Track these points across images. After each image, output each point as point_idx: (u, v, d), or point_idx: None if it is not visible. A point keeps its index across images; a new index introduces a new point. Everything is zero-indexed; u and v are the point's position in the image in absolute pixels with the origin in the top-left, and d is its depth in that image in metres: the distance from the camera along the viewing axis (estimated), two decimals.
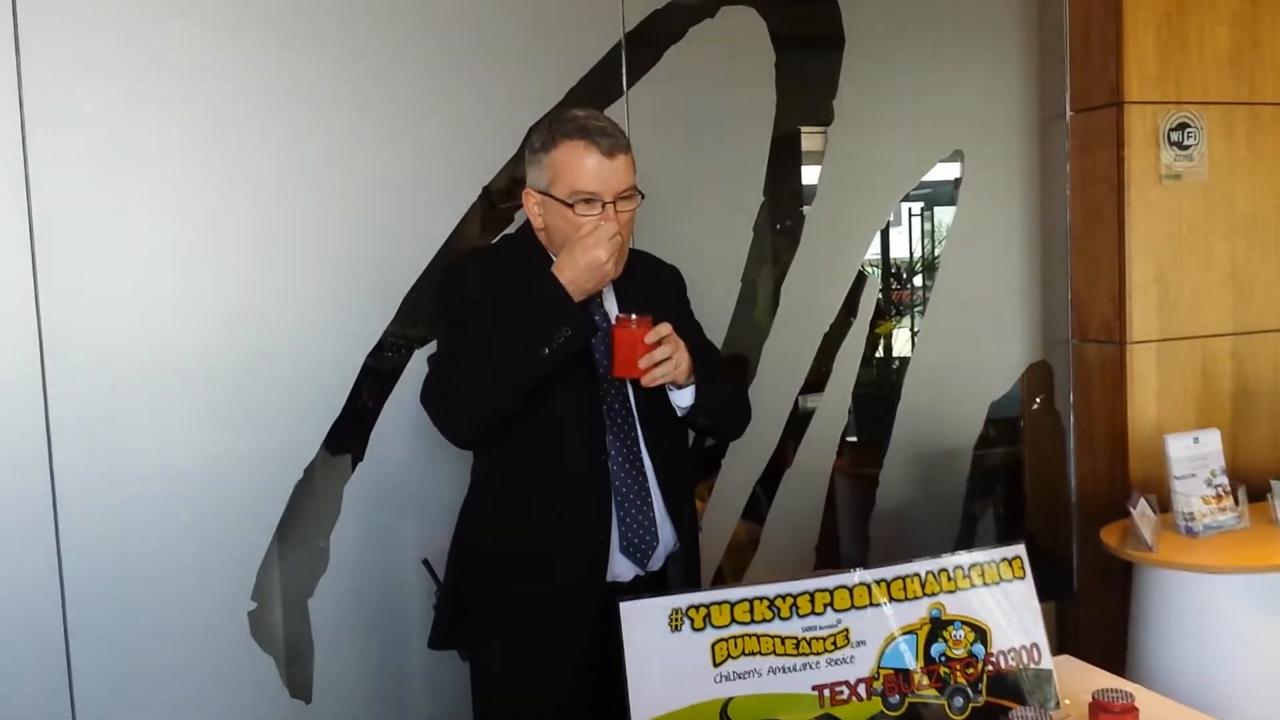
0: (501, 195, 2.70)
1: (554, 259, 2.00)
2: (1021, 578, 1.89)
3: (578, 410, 2.02)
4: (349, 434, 2.55)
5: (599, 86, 2.74)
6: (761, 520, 3.11)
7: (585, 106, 2.08)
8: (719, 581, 2.97)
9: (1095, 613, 3.29)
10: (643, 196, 2.04)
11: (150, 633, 2.39)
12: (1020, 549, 1.91)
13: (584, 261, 1.92)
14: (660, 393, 2.06)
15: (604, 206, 1.97)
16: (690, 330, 2.17)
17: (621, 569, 2.07)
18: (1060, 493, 3.46)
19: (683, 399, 2.07)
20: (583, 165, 1.96)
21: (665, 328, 1.98)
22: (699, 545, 2.23)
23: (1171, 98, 3.19)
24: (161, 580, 2.39)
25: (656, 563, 2.11)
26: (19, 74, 2.25)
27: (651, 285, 2.18)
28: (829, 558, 3.19)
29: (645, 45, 2.81)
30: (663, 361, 1.96)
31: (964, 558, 1.87)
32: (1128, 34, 3.14)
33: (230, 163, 2.43)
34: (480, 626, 2.12)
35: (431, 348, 2.48)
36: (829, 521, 3.20)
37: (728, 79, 2.93)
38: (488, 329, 1.96)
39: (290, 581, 2.58)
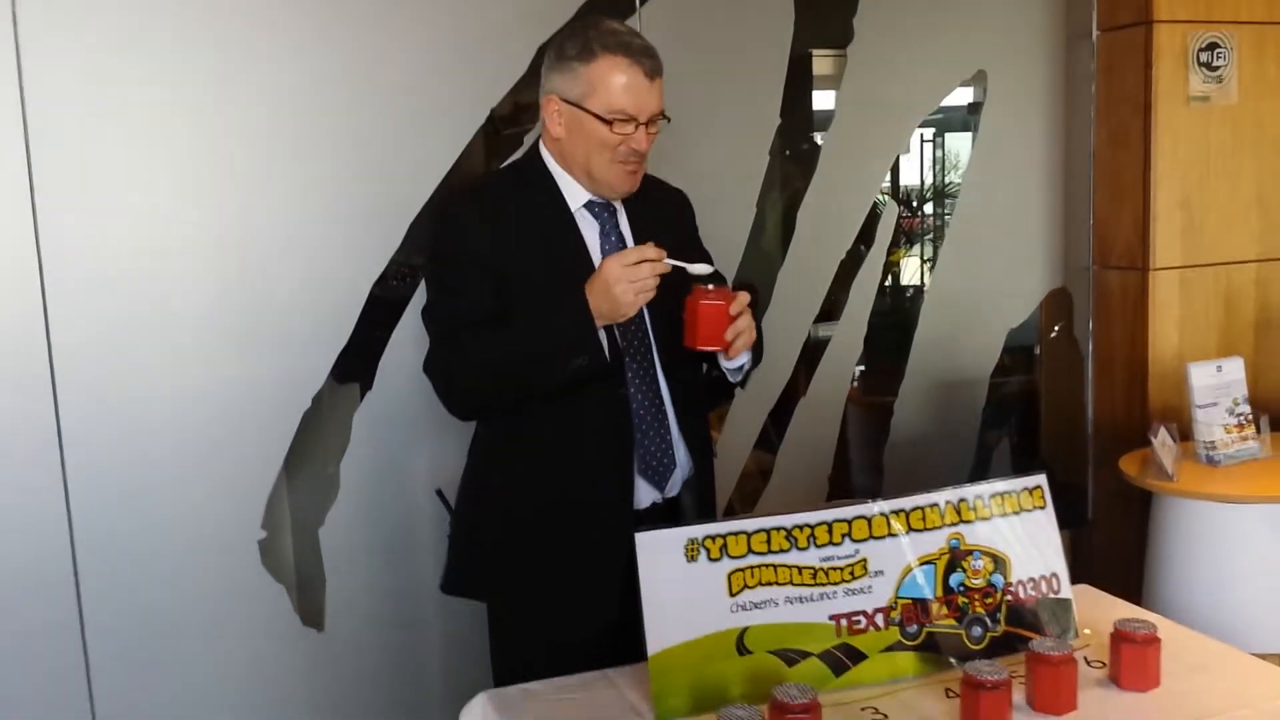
0: (507, 120, 2.64)
1: (559, 186, 1.97)
2: (1042, 507, 1.88)
3: None
4: (357, 363, 2.52)
5: (610, 2, 2.66)
6: (774, 450, 3.09)
7: (618, 20, 2.02)
8: (730, 513, 2.93)
9: (1111, 542, 3.28)
10: (668, 120, 1.98)
11: (161, 563, 2.38)
12: (1041, 479, 1.89)
13: (619, 305, 1.84)
14: (677, 319, 2.01)
15: (636, 127, 1.93)
16: (701, 258, 2.12)
17: (641, 494, 2.04)
18: (1077, 422, 3.43)
19: (734, 363, 2.02)
20: (625, 84, 1.90)
21: (745, 297, 1.94)
22: (714, 471, 2.20)
23: (1201, 17, 3.09)
24: (171, 510, 2.38)
25: (673, 489, 2.08)
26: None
27: (661, 208, 2.12)
28: (843, 488, 3.18)
29: None
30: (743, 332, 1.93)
31: (984, 487, 1.85)
32: None
33: (231, 83, 2.37)
34: (497, 575, 2.08)
35: None
36: (843, 451, 3.17)
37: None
38: (492, 294, 1.92)
39: (300, 510, 2.57)
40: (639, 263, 1.83)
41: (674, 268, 1.87)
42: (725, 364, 2.03)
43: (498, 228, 1.95)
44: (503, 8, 2.57)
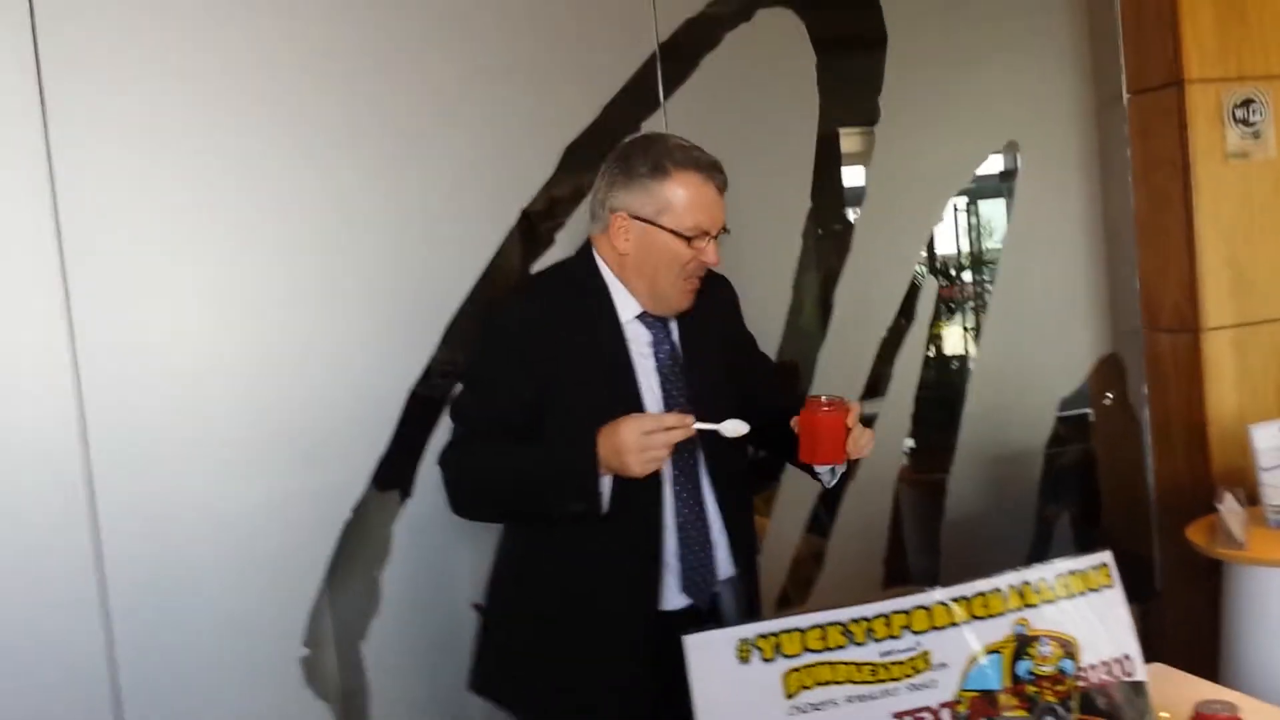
0: (541, 216, 2.64)
1: (610, 292, 1.96)
2: (1109, 585, 1.80)
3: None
4: (397, 469, 2.50)
5: (635, 100, 2.68)
6: (826, 534, 3.02)
7: (678, 136, 2.01)
8: (784, 602, 2.88)
9: (1181, 615, 3.16)
10: (728, 232, 1.99)
11: (203, 684, 2.34)
12: (1107, 555, 1.81)
13: (627, 470, 1.80)
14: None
15: (709, 240, 1.94)
16: (747, 343, 2.10)
17: (672, 595, 1.99)
18: (1138, 490, 3.33)
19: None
20: (700, 200, 1.92)
21: (857, 407, 1.92)
22: (758, 569, 2.15)
23: (1234, 74, 3.06)
24: (212, 629, 2.35)
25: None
26: (41, 96, 2.22)
27: (708, 307, 2.08)
28: (898, 571, 3.10)
29: (680, 55, 2.74)
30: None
31: (1048, 569, 1.77)
32: (1183, 9, 3.02)
33: (264, 195, 2.39)
34: (522, 681, 2.03)
35: None
36: (896, 533, 3.09)
37: (768, 84, 2.85)
38: (521, 405, 1.91)
39: (342, 625, 2.52)
40: (656, 431, 1.79)
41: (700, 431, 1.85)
42: (820, 469, 2.00)
43: (545, 333, 1.93)
44: (528, 107, 2.59)
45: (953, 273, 4.88)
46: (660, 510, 1.96)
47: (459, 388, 2.09)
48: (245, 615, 2.37)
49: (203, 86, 2.34)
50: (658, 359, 1.98)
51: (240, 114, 2.37)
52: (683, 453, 1.95)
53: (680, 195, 1.91)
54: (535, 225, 2.64)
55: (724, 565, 2.03)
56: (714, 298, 2.11)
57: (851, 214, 3.12)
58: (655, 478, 1.90)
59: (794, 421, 1.91)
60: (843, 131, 3.12)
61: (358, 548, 2.50)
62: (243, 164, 2.37)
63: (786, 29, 2.88)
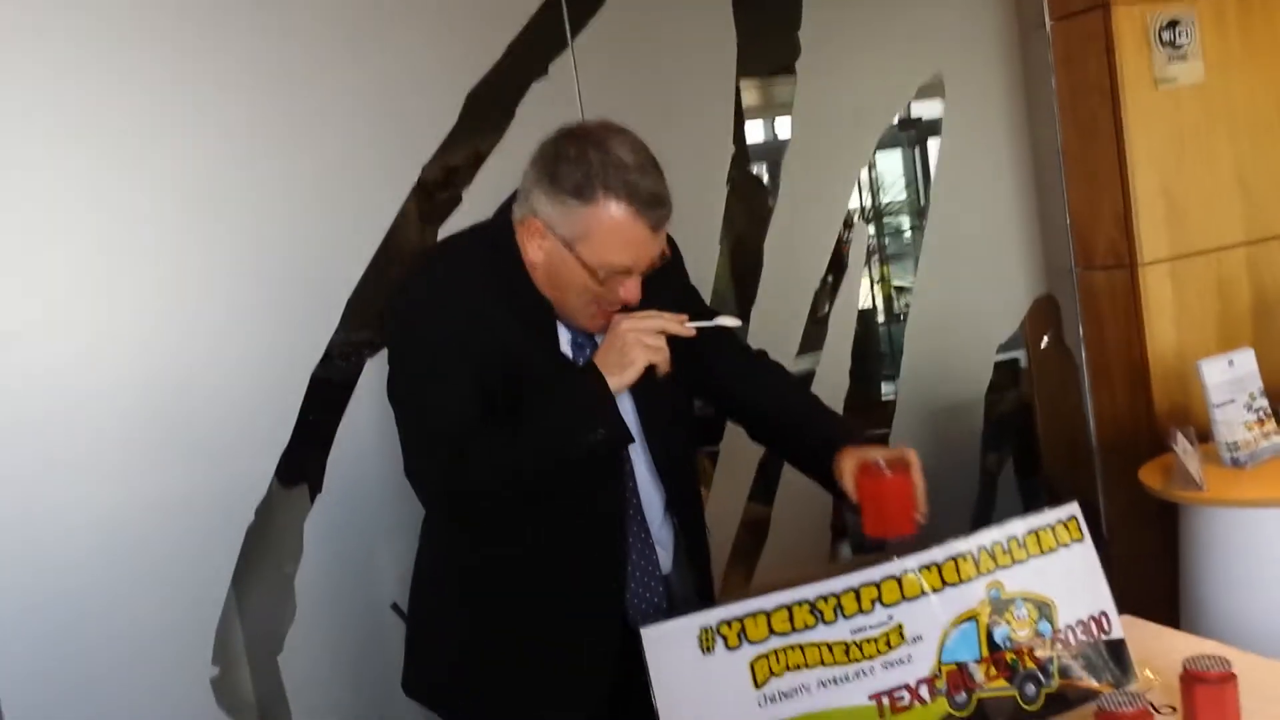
0: (438, 185, 2.45)
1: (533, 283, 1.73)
2: (1080, 540, 1.72)
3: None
4: (303, 461, 2.32)
5: (540, 40, 2.49)
6: (770, 501, 2.90)
7: (620, 131, 1.67)
8: (732, 576, 2.76)
9: (1131, 562, 3.08)
10: (667, 258, 1.72)
11: (95, 713, 2.12)
12: (1074, 507, 1.74)
13: (628, 365, 1.62)
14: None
15: (630, 275, 1.67)
16: (692, 301, 1.91)
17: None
18: (1079, 435, 3.25)
19: None
20: (626, 239, 1.62)
21: (917, 461, 1.75)
22: (707, 549, 1.98)
23: None
24: (104, 650, 2.13)
25: (664, 568, 1.87)
26: None
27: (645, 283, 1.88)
28: (845, 534, 2.99)
29: None
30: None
31: (1016, 526, 1.69)
32: None
33: (139, 161, 2.18)
34: (459, 681, 1.84)
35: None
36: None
37: (682, 20, 2.68)
38: (476, 388, 1.67)
39: (255, 638, 2.35)
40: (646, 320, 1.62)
41: (700, 329, 1.66)
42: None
43: (473, 308, 1.69)
44: (423, 52, 2.39)
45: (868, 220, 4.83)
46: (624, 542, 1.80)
47: (400, 411, 1.76)
48: (142, 633, 2.17)
49: (73, 60, 2.13)
50: (574, 354, 1.77)
51: (108, 84, 2.16)
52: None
53: (603, 227, 1.61)
54: (432, 193, 2.46)
55: (665, 560, 1.86)
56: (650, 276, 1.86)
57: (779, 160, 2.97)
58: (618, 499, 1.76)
59: (850, 487, 1.72)
60: (762, 74, 2.98)
61: (265, 551, 2.32)
62: (115, 139, 2.17)
63: None
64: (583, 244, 1.63)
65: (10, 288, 2.10)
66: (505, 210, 1.76)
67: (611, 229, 1.61)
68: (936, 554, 1.63)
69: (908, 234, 4.96)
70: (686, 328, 1.64)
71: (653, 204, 1.62)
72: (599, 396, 1.61)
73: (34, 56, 2.10)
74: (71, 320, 2.14)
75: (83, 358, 2.14)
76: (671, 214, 1.67)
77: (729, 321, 1.71)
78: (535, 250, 1.69)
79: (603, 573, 1.78)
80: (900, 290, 5.21)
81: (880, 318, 4.51)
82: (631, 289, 1.66)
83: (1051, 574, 1.67)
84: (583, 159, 1.62)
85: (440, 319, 1.69)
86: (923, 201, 4.95)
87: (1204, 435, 2.70)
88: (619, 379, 1.61)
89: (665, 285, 1.81)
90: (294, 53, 2.30)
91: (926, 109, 3.49)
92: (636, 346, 1.60)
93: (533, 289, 1.72)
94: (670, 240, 1.88)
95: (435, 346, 1.69)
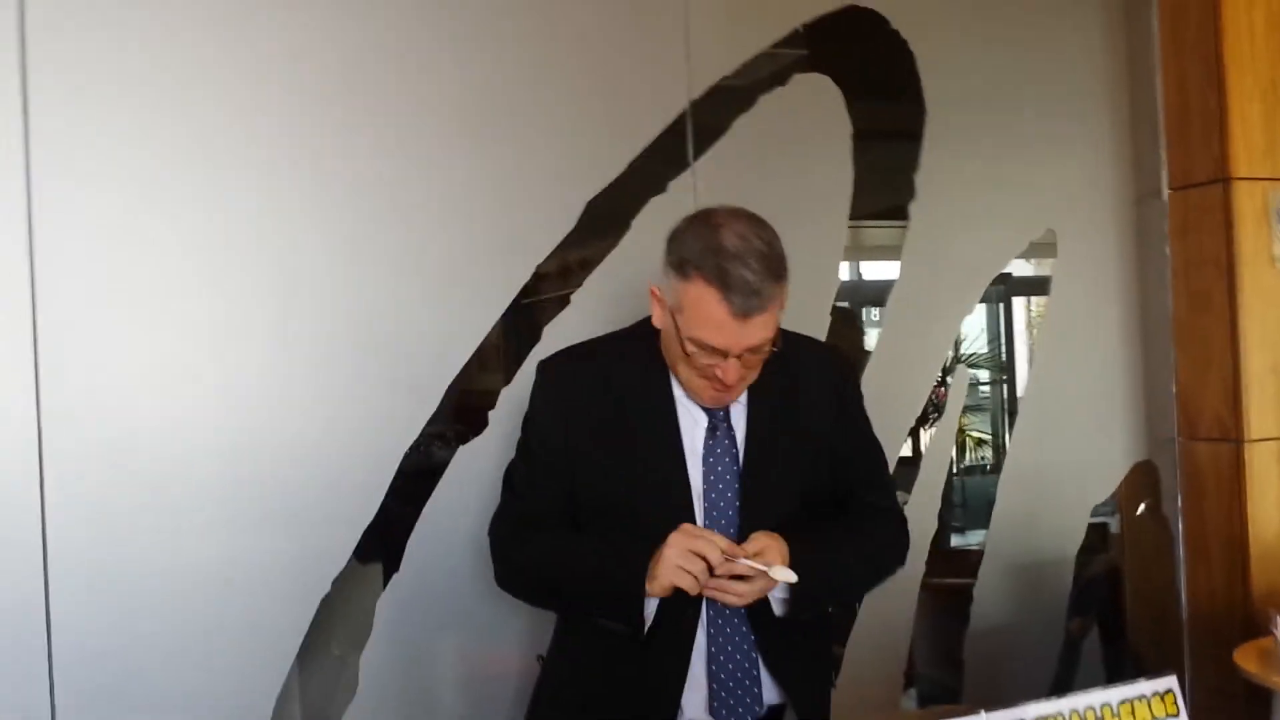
0: (555, 281, 2.48)
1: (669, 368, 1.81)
2: (1175, 716, 1.65)
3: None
4: (383, 540, 2.31)
5: (663, 159, 2.54)
6: (843, 641, 2.80)
7: (744, 222, 1.72)
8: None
9: None
10: (776, 349, 1.74)
11: None
12: (1172, 681, 1.67)
13: (665, 570, 1.66)
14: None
15: (726, 358, 1.70)
16: (857, 437, 1.95)
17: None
18: (1169, 608, 3.12)
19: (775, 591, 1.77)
20: (710, 319, 1.66)
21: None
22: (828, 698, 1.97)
23: None
24: (166, 712, 2.12)
25: None
26: (28, 168, 2.08)
27: (797, 381, 1.87)
28: (918, 683, 2.88)
29: (713, 114, 2.61)
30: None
31: (1110, 694, 1.63)
32: (1232, 103, 2.89)
33: (255, 244, 2.24)
34: None
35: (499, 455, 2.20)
36: (917, 640, 2.88)
37: (801, 152, 2.72)
38: (567, 483, 1.82)
39: (313, 711, 2.31)
40: (701, 549, 1.65)
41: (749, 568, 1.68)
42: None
43: (595, 400, 1.82)
44: (548, 160, 2.45)
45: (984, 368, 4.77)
46: (694, 624, 1.80)
47: (506, 478, 1.94)
48: (204, 697, 2.15)
49: (199, 145, 2.20)
50: (706, 449, 1.81)
51: (235, 165, 2.22)
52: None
53: (694, 304, 1.67)
54: (543, 291, 2.50)
55: (769, 691, 1.84)
56: (808, 372, 1.90)
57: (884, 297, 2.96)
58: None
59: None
60: (875, 215, 2.99)
61: (335, 625, 2.31)
62: (226, 221, 2.22)
63: (823, 96, 2.76)
64: (680, 316, 1.71)
65: (107, 349, 2.14)
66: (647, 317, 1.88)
67: (698, 306, 1.67)
68: (1026, 712, 1.56)
69: (986, 387, 4.92)
70: (738, 564, 1.65)
71: (741, 291, 1.65)
72: (630, 593, 1.69)
73: (149, 101, 2.18)
74: (172, 378, 2.17)
75: (180, 416, 2.18)
76: (771, 311, 1.70)
77: (783, 575, 1.68)
78: (656, 316, 1.80)
79: (660, 687, 1.79)
80: (980, 441, 5.13)
81: (956, 467, 4.44)
82: (729, 371, 1.69)
83: None
84: (691, 236, 1.71)
85: (559, 397, 1.85)
86: (1004, 356, 4.94)
87: None
88: (651, 586, 1.68)
89: (818, 400, 1.89)
90: (435, 136, 2.36)
91: (1017, 266, 3.46)
92: (669, 566, 1.65)
93: (667, 387, 1.83)
94: (831, 358, 2.00)
95: (544, 422, 1.85)
